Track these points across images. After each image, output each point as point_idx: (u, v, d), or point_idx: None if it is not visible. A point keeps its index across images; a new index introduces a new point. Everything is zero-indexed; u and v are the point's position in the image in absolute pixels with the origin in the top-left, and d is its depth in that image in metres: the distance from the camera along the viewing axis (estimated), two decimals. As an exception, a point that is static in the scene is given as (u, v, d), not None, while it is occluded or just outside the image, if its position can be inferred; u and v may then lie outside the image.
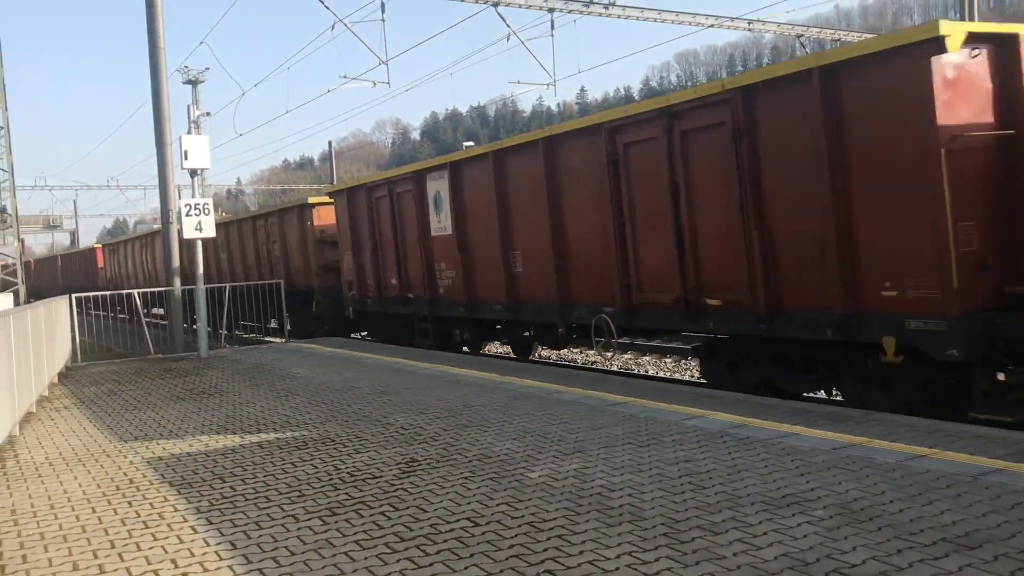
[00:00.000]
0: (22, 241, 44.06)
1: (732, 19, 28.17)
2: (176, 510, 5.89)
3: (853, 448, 6.35)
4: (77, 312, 17.48)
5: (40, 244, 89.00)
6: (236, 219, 26.38)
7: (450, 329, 16.57)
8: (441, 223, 15.50)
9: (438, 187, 15.49)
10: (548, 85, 25.13)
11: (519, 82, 26.14)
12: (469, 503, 5.59)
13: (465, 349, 16.64)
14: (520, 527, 5.03)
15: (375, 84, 23.19)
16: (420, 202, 16.11)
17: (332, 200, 20.20)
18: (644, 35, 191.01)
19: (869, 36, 31.96)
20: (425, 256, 16.12)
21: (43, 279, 57.45)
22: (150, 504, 6.08)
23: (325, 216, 20.71)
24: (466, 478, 6.21)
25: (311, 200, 21.27)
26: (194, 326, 20.50)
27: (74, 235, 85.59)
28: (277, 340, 20.12)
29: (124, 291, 21.02)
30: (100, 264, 43.06)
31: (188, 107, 17.21)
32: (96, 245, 46.41)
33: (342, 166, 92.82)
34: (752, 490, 5.47)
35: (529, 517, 5.21)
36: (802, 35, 29.72)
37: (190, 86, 39.99)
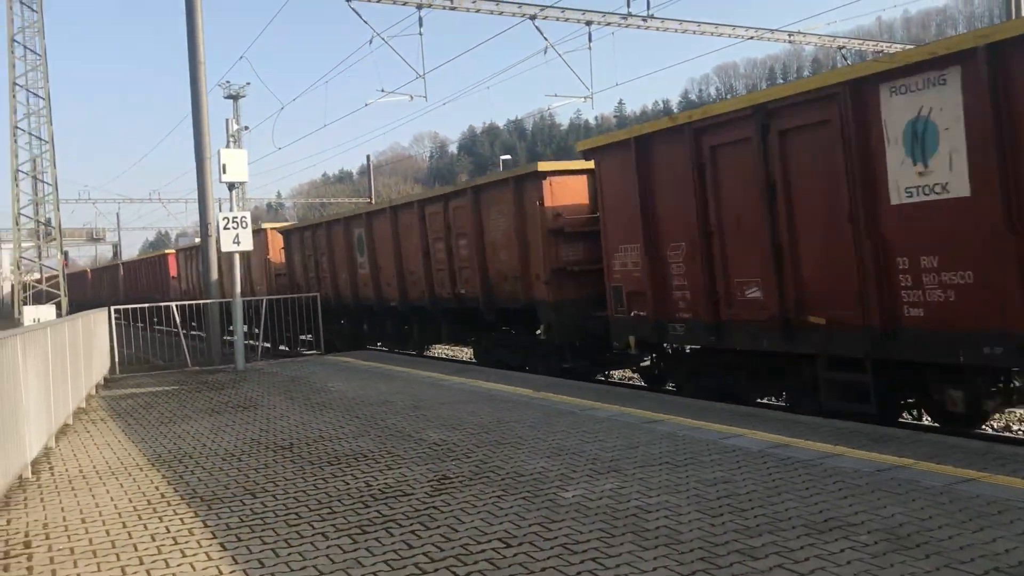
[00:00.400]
0: (66, 253, 44.78)
1: (773, 31, 27.88)
2: (206, 526, 5.84)
3: (898, 470, 6.14)
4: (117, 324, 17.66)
5: (83, 256, 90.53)
6: (379, 208, 19.86)
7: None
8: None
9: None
10: (585, 98, 25.03)
11: (556, 95, 26.04)
12: (501, 523, 5.47)
13: None
14: (553, 549, 4.90)
15: (412, 98, 23.26)
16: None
17: (588, 162, 13.22)
18: (683, 48, 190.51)
19: (911, 46, 31.50)
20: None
21: (101, 289, 54.07)
22: (180, 520, 6.03)
23: (561, 192, 13.94)
24: (499, 497, 6.09)
25: (543, 167, 14.10)
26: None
27: (116, 247, 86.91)
28: (311, 352, 20.16)
29: (162, 303, 21.17)
30: (173, 273, 37.08)
31: (227, 121, 17.35)
32: (169, 251, 40.99)
33: (380, 179, 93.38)
34: (793, 513, 5.30)
35: (562, 539, 5.07)
36: (844, 47, 29.34)
37: (231, 100, 40.48)
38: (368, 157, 60.35)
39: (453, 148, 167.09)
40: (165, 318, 22.50)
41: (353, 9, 21.59)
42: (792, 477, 6.14)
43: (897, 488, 5.69)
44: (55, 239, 37.87)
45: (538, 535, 5.18)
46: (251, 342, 19.56)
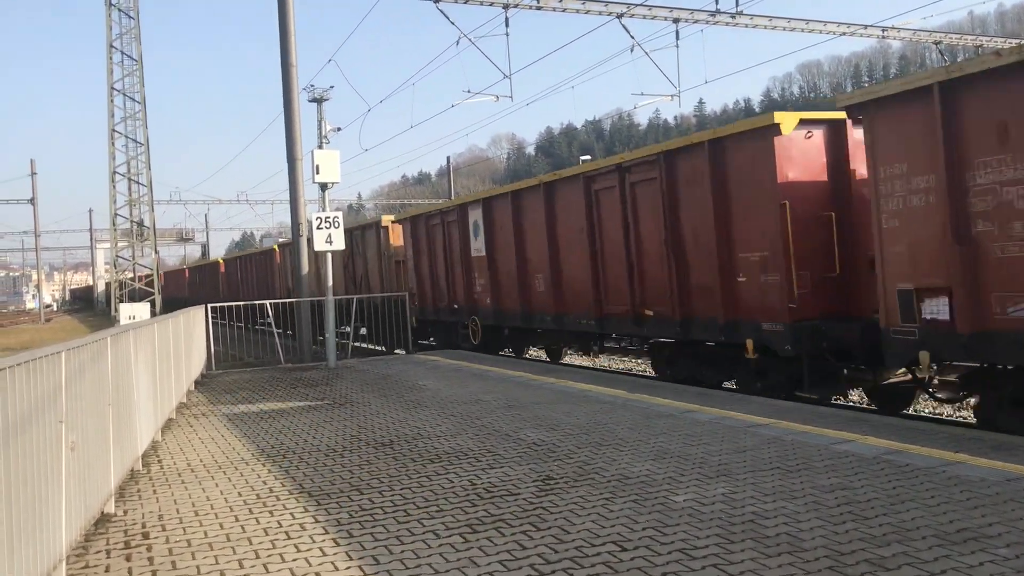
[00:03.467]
0: (158, 253, 46.17)
1: (865, 27, 27.15)
2: (316, 521, 5.88)
3: (1029, 480, 5.85)
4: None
5: (172, 256, 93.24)
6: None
7: None
8: None
9: None
10: (672, 96, 24.73)
11: (642, 94, 25.77)
12: (613, 526, 5.38)
13: None
14: (671, 554, 4.79)
15: (498, 98, 23.27)
16: None
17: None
18: (766, 45, 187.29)
19: (1014, 42, 30.37)
20: None
21: (201, 288, 49.51)
22: (291, 514, 6.09)
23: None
24: (607, 499, 5.99)
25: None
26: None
27: (204, 247, 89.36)
28: (400, 351, 20.34)
29: (256, 302, 21.60)
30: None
31: (319, 122, 17.62)
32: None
33: (459, 181, 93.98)
34: (921, 523, 5.08)
35: (679, 544, 4.95)
36: (940, 41, 28.40)
37: (315, 104, 41.20)
38: (448, 159, 60.85)
39: (530, 150, 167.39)
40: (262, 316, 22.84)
41: (440, 10, 21.72)
42: (914, 485, 5.90)
43: (1031, 499, 5.41)
44: (148, 239, 39.06)
45: (653, 539, 5.07)
46: (354, 342, 19.81)
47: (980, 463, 6.42)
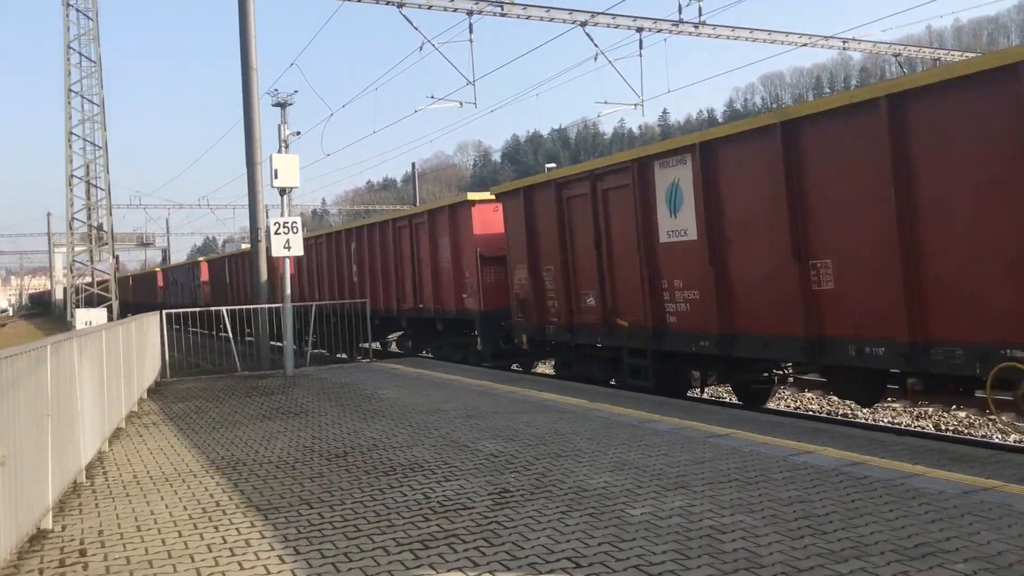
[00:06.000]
0: (117, 257, 45.38)
1: (827, 38, 27.39)
2: (263, 536, 5.68)
3: (986, 493, 5.81)
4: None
5: (132, 261, 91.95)
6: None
7: None
8: None
9: None
10: (636, 105, 24.75)
11: (606, 102, 25.77)
12: (569, 540, 5.24)
13: None
14: (627, 571, 4.66)
15: (462, 104, 23.13)
16: None
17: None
18: (729, 56, 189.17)
19: (970, 55, 30.81)
20: None
21: (181, 291, 45.13)
22: (236, 530, 5.88)
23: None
24: (563, 512, 5.86)
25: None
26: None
27: (165, 252, 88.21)
28: (361, 359, 20.09)
29: (213, 308, 21.23)
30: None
31: (279, 127, 17.37)
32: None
33: (424, 187, 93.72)
34: (879, 537, 5.00)
35: (635, 559, 4.83)
36: (900, 53, 28.73)
37: (279, 108, 40.76)
38: (413, 165, 60.64)
39: (496, 156, 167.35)
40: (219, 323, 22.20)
41: (404, 16, 21.59)
42: (872, 498, 5.84)
43: (989, 512, 5.36)
44: (107, 243, 38.38)
45: (609, 555, 4.94)
46: (314, 348, 19.54)
47: (939, 475, 6.38)
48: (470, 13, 22.29)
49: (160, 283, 51.43)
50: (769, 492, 6.12)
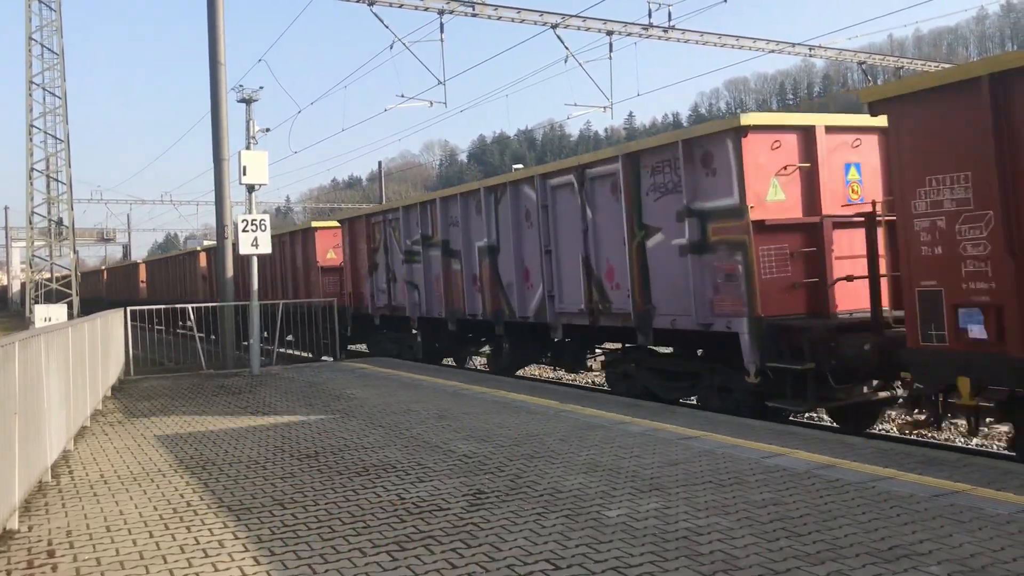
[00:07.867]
0: (77, 253, 44.66)
1: (792, 45, 27.70)
2: (236, 538, 5.62)
3: (956, 496, 5.90)
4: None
5: (92, 257, 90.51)
6: None
7: None
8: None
9: None
10: (605, 108, 24.84)
11: (576, 104, 25.85)
12: (546, 542, 5.24)
13: None
14: (605, 572, 4.67)
15: (432, 104, 23.08)
16: None
17: None
18: (694, 61, 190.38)
19: (933, 65, 31.25)
20: None
21: (162, 287, 40.53)
22: (209, 530, 5.81)
23: None
24: (539, 514, 5.86)
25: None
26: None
27: (126, 248, 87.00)
28: (327, 358, 19.95)
29: (179, 305, 20.93)
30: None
31: (248, 123, 17.19)
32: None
33: (390, 186, 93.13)
34: (854, 539, 5.05)
35: (613, 561, 4.84)
36: (864, 61, 29.13)
37: (244, 104, 40.39)
38: (380, 164, 60.19)
39: (463, 157, 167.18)
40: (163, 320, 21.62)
41: (375, 14, 21.47)
42: (845, 500, 5.90)
43: (960, 515, 5.44)
44: (67, 238, 37.78)
45: (587, 556, 4.94)
46: (280, 347, 19.32)
47: (909, 478, 6.46)
48: (441, 12, 22.24)
49: (143, 277, 46.01)
50: (743, 494, 6.16)
